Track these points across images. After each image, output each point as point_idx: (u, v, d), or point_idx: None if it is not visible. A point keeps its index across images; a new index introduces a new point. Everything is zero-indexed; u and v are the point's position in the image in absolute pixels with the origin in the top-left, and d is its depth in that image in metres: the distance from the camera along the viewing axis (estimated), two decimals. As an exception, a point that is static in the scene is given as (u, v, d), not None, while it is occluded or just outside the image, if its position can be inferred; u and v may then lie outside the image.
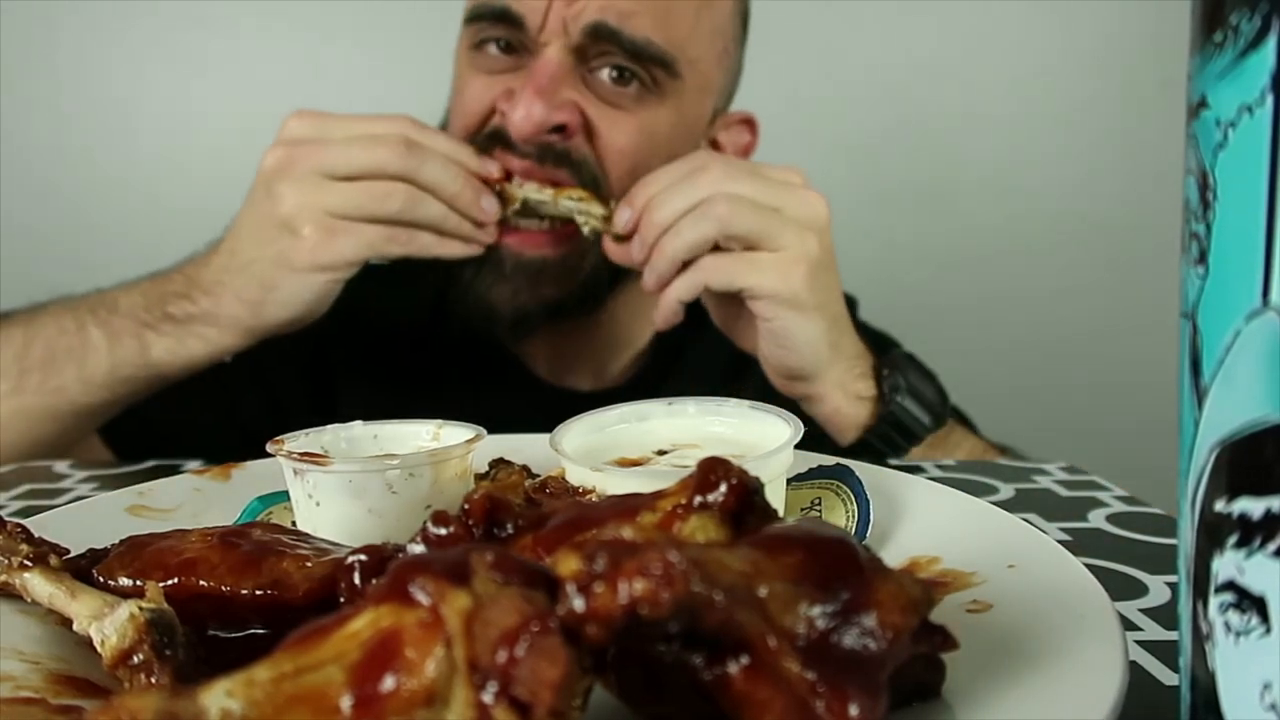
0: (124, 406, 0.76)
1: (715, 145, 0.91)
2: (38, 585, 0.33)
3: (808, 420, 0.73)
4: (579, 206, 0.74)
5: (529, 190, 0.73)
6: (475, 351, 0.94)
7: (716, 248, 0.69)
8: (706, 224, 0.68)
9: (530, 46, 0.77)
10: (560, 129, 0.75)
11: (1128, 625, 0.39)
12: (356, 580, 0.27)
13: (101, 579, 0.34)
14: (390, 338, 0.94)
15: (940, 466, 0.69)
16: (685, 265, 0.70)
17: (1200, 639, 0.22)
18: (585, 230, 0.74)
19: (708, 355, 0.91)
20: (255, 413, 0.86)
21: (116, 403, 0.75)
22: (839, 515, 0.42)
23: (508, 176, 0.74)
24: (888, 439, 0.74)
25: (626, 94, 0.78)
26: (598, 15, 0.74)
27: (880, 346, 0.79)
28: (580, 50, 0.75)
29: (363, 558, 0.27)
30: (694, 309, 0.76)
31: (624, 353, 0.94)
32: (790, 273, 0.68)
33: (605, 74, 0.77)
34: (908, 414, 0.74)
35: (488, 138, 0.77)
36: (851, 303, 0.94)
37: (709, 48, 0.82)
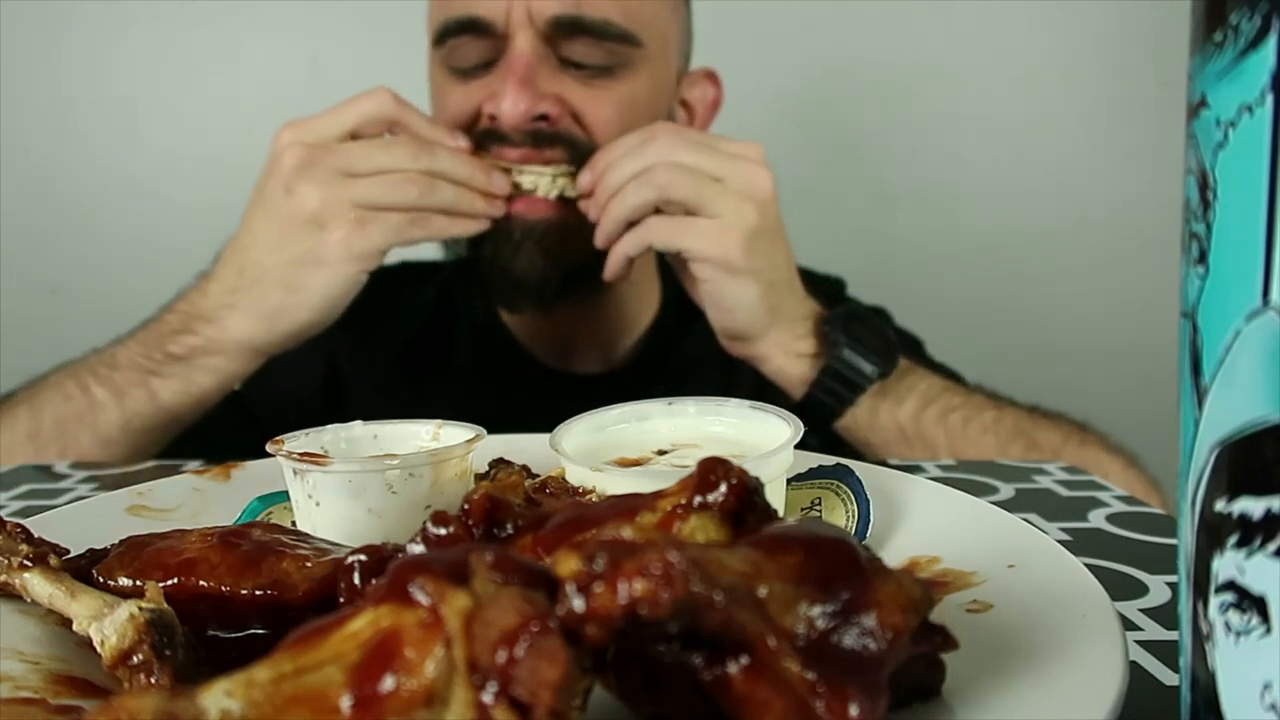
0: (149, 455, 0.76)
1: (685, 104, 0.95)
2: (37, 585, 0.33)
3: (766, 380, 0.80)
4: (541, 172, 0.78)
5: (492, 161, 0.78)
6: (478, 342, 0.97)
7: (660, 212, 0.73)
8: (647, 189, 0.72)
9: (501, 43, 0.80)
10: (544, 118, 0.79)
11: (1128, 625, 0.39)
12: (356, 580, 0.27)
13: (101, 579, 0.34)
14: (396, 336, 0.96)
15: (940, 466, 0.69)
16: (632, 226, 0.75)
17: (1200, 639, 0.22)
18: (549, 194, 0.78)
19: (707, 340, 0.92)
20: (268, 418, 0.87)
21: (139, 453, 0.76)
22: (839, 515, 0.42)
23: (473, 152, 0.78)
24: (831, 391, 0.77)
25: (599, 73, 0.83)
26: (557, 9, 0.78)
27: (833, 303, 0.82)
28: (548, 38, 0.80)
29: (362, 558, 0.27)
30: (686, 298, 0.80)
31: (625, 336, 0.96)
32: (724, 238, 0.72)
33: (575, 61, 0.81)
34: (849, 366, 0.77)
35: (482, 136, 0.81)
36: (838, 284, 0.98)
37: (660, 7, 0.87)
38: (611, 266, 0.77)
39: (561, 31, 0.79)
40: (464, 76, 0.83)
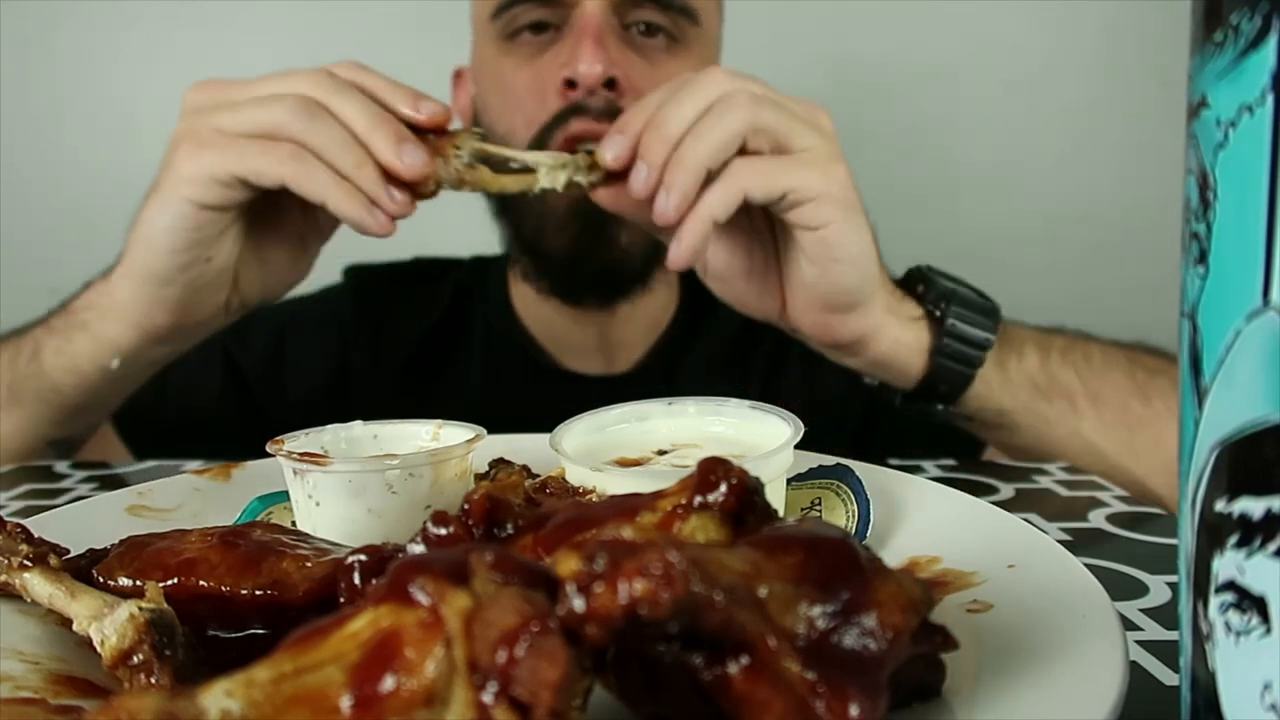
0: (33, 438, 0.69)
1: None
2: (37, 585, 0.33)
3: (841, 417, 0.72)
4: (548, 159, 0.59)
5: (473, 141, 0.58)
6: (493, 343, 0.95)
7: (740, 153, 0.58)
8: (732, 116, 0.56)
9: (565, 10, 0.80)
10: (612, 83, 0.77)
11: (1128, 625, 0.39)
12: (356, 580, 0.27)
13: (101, 579, 0.34)
14: (408, 336, 0.94)
15: (940, 466, 0.69)
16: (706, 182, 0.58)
17: (1201, 639, 0.22)
18: (551, 184, 0.58)
19: (718, 340, 0.91)
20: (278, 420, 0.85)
21: (24, 435, 0.69)
22: (839, 515, 0.42)
23: (442, 132, 0.58)
24: (960, 356, 0.66)
25: (657, 47, 0.82)
26: None
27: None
28: (616, 4, 0.79)
29: (362, 558, 0.27)
30: (702, 292, 0.71)
31: (646, 338, 0.94)
32: (833, 169, 0.59)
33: (636, 30, 0.81)
34: (967, 318, 0.66)
35: (562, 115, 0.78)
36: None
37: None
38: (689, 242, 0.57)
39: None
40: (526, 46, 0.82)
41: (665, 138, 0.56)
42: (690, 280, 0.88)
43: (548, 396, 0.85)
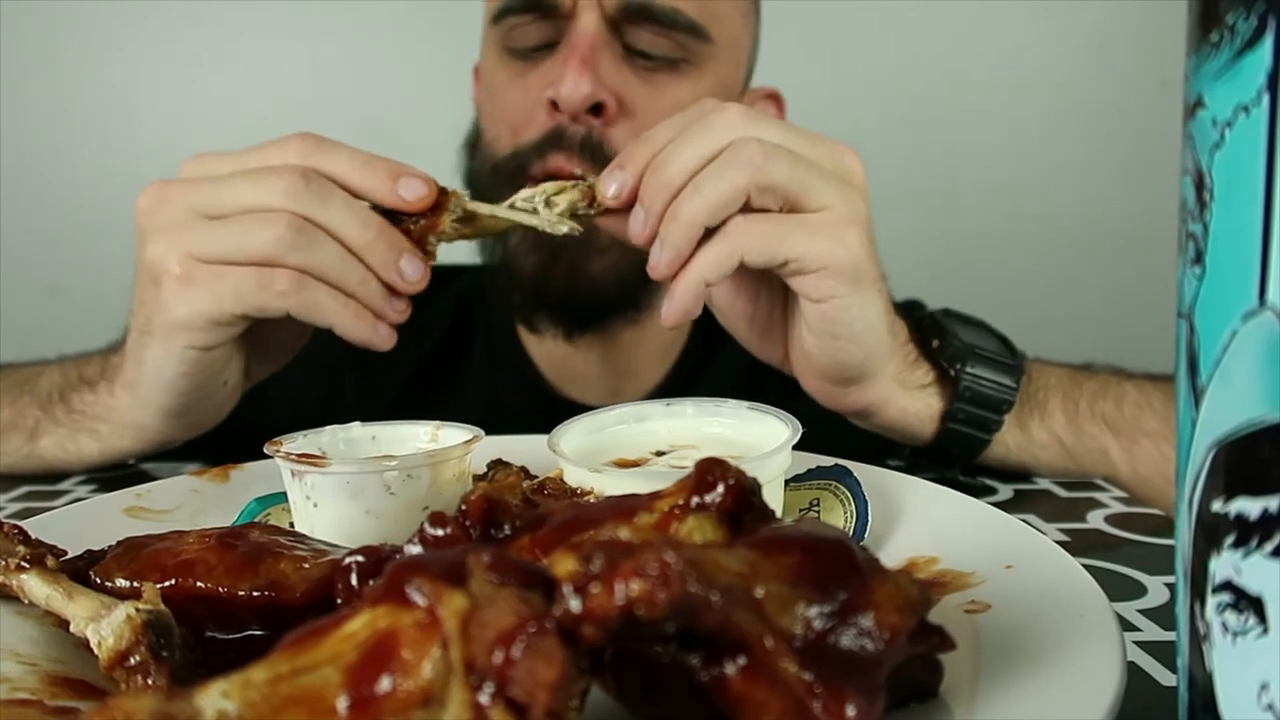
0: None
1: None
2: (35, 586, 0.33)
3: (862, 434, 0.64)
4: (541, 199, 0.55)
5: (462, 203, 0.55)
6: (491, 373, 0.91)
7: (745, 210, 0.53)
8: (735, 171, 0.51)
9: (563, 24, 0.76)
10: (599, 109, 0.73)
11: (1126, 626, 0.39)
12: (353, 581, 0.27)
13: (99, 580, 0.34)
14: (405, 359, 0.87)
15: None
16: (706, 237, 0.53)
17: (1198, 639, 0.22)
18: (553, 228, 0.55)
19: (730, 367, 0.87)
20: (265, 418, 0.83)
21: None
22: (837, 516, 0.42)
23: (437, 204, 0.54)
24: (975, 420, 0.62)
25: (661, 67, 0.77)
26: None
27: (906, 311, 0.65)
28: (614, 22, 0.75)
29: (360, 559, 0.27)
30: (713, 325, 0.66)
31: (656, 370, 0.89)
32: (845, 236, 0.53)
33: (638, 49, 0.76)
34: (983, 381, 0.61)
35: (541, 146, 0.74)
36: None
37: (734, 6, 0.81)
38: (682, 302, 0.54)
39: (628, 16, 0.74)
40: (521, 61, 0.78)
41: (665, 183, 0.53)
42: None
43: (546, 418, 0.80)
